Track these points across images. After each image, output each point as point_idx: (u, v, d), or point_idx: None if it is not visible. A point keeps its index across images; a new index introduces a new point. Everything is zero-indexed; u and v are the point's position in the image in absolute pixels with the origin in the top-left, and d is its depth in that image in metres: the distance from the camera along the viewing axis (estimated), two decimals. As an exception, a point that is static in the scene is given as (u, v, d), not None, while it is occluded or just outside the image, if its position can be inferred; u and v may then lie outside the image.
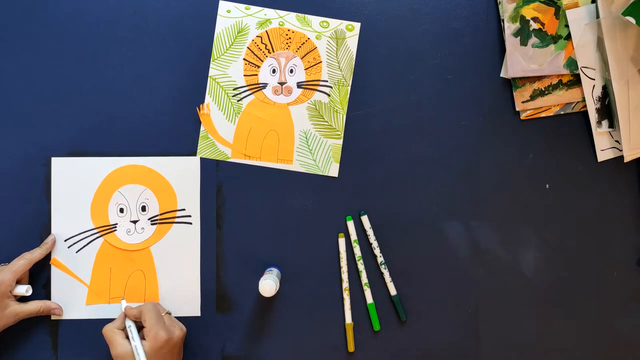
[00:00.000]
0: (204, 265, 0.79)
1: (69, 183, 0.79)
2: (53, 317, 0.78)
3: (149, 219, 0.80)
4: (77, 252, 0.79)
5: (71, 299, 0.78)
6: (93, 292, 0.79)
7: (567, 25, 0.79)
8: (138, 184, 0.79)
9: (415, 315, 0.80)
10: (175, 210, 0.80)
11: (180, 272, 0.79)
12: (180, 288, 0.79)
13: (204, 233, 0.80)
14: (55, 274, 0.78)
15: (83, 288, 0.79)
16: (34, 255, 0.76)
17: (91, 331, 0.78)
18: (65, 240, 0.79)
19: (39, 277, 0.78)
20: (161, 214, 0.80)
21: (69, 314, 0.78)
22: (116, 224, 0.79)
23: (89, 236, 0.79)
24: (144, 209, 0.80)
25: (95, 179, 0.79)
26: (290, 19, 0.80)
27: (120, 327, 0.73)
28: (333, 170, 0.80)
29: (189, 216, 0.80)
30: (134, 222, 0.79)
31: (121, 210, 0.79)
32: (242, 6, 0.80)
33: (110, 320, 0.76)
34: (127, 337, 0.72)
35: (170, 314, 0.76)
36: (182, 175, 0.79)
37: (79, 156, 0.79)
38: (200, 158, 0.80)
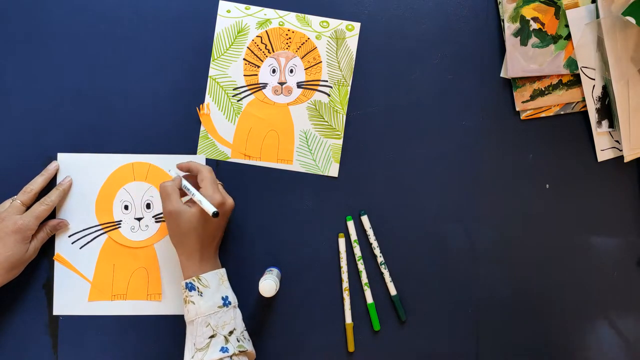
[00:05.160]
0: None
1: (75, 179, 0.79)
2: (59, 234, 0.78)
3: (153, 217, 0.80)
4: (80, 248, 0.79)
5: (73, 295, 0.78)
6: (96, 289, 0.79)
7: (567, 25, 0.79)
8: (143, 182, 0.80)
9: (415, 315, 0.80)
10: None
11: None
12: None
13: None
14: (59, 269, 0.78)
15: (86, 284, 0.79)
16: (52, 198, 0.76)
17: (91, 331, 0.78)
18: (70, 236, 0.79)
19: (40, 277, 0.78)
20: (165, 212, 0.80)
21: (70, 310, 0.78)
22: (120, 221, 0.79)
23: (93, 232, 0.79)
24: (148, 206, 0.80)
25: (101, 175, 0.79)
26: (290, 19, 0.80)
27: (177, 186, 0.73)
28: (333, 170, 0.80)
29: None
30: (139, 219, 0.80)
31: (126, 208, 0.80)
32: (242, 6, 0.80)
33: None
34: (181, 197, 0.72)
35: (222, 185, 0.76)
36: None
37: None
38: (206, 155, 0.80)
